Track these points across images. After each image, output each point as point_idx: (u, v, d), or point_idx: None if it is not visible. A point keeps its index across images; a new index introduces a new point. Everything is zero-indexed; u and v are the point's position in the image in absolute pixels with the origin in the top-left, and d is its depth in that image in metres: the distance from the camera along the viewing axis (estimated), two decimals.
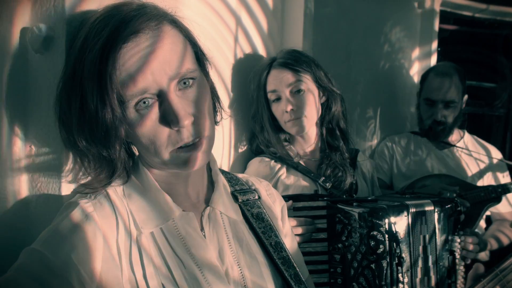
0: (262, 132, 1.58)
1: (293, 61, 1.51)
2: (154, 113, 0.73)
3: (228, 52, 1.60)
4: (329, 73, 1.60)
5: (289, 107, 1.50)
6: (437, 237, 1.26)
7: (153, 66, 0.71)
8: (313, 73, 1.53)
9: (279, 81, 1.50)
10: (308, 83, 1.52)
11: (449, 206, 1.30)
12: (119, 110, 0.71)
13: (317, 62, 1.57)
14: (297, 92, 1.50)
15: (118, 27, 0.70)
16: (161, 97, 0.73)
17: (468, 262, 1.43)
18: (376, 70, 2.42)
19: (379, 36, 2.46)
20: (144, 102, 0.73)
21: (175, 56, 0.74)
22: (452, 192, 1.78)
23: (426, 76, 2.19)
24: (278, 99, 1.53)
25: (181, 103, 0.73)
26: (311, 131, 1.59)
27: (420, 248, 1.23)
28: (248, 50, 1.68)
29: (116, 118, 0.71)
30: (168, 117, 0.73)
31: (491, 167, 2.17)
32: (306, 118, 1.52)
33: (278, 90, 1.51)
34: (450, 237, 1.29)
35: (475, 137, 2.30)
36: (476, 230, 2.02)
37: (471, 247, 1.43)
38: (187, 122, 0.73)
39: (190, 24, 0.83)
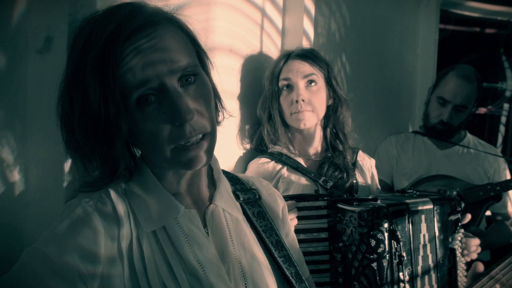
0: (269, 121, 1.58)
1: (312, 55, 1.53)
2: (156, 110, 0.74)
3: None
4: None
5: (301, 97, 1.50)
6: (437, 236, 1.26)
7: (153, 57, 0.72)
8: (327, 73, 1.54)
9: (296, 70, 1.51)
10: (321, 81, 1.54)
11: (449, 204, 1.30)
12: (122, 106, 0.71)
13: (331, 65, 1.59)
14: (310, 85, 1.51)
15: (120, 25, 0.71)
16: (163, 93, 0.73)
17: (469, 260, 1.43)
18: (384, 71, 2.43)
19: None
20: (147, 99, 0.73)
21: (175, 50, 0.74)
22: (452, 190, 1.78)
23: (444, 74, 2.15)
24: (290, 88, 1.53)
25: (183, 98, 0.73)
26: (314, 131, 1.59)
27: (421, 246, 1.23)
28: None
29: (118, 115, 0.71)
30: (170, 113, 0.73)
31: (493, 167, 2.16)
32: (313, 113, 1.52)
33: (292, 78, 1.52)
34: (450, 235, 1.29)
35: (476, 137, 2.30)
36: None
37: (473, 248, 1.43)
38: (189, 116, 0.73)
39: (192, 23, 0.84)
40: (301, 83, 1.51)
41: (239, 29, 1.60)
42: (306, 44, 1.77)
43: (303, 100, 1.50)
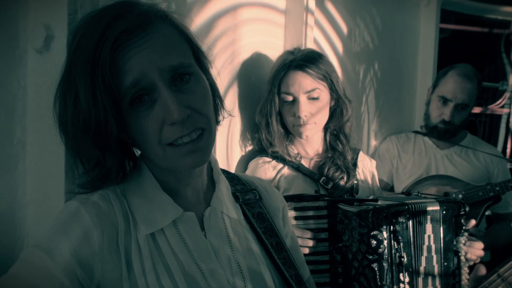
0: (267, 128, 1.56)
1: (314, 66, 1.48)
2: (150, 109, 0.73)
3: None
4: None
5: (303, 113, 1.48)
6: (442, 237, 1.26)
7: (143, 58, 0.71)
8: (330, 82, 1.51)
9: (298, 85, 1.48)
10: (324, 91, 1.51)
11: (455, 207, 1.29)
12: (112, 108, 0.71)
13: (334, 67, 1.55)
14: (312, 100, 1.49)
15: (110, 25, 0.70)
16: (156, 92, 0.73)
17: (472, 263, 1.43)
18: (384, 71, 2.44)
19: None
20: (140, 100, 0.73)
21: (166, 49, 0.73)
22: (458, 194, 1.78)
23: (444, 73, 2.15)
24: (292, 102, 1.51)
25: (175, 97, 0.73)
26: (316, 135, 1.59)
27: (425, 247, 1.22)
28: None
29: (108, 117, 0.71)
30: (162, 112, 0.72)
31: (494, 167, 2.16)
32: (315, 125, 1.51)
33: (295, 93, 1.49)
34: (455, 238, 1.28)
35: (477, 138, 2.30)
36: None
37: (476, 252, 1.42)
38: (181, 116, 0.72)
39: (188, 22, 0.83)
40: (303, 98, 1.48)
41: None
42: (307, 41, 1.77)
43: (305, 116, 1.48)
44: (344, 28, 2.12)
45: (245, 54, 1.61)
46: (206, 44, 1.43)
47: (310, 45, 1.78)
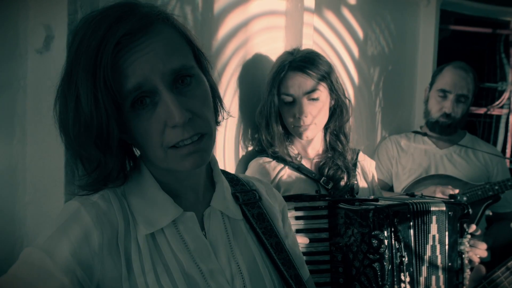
0: (267, 128, 1.57)
1: (313, 66, 1.48)
2: (151, 112, 0.73)
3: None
4: None
5: (303, 115, 1.48)
6: (447, 237, 1.26)
7: (144, 62, 0.71)
8: (330, 82, 1.51)
9: (297, 86, 1.48)
10: (324, 92, 1.51)
11: (459, 208, 1.29)
12: (114, 111, 0.71)
13: (333, 66, 1.55)
14: (312, 100, 1.49)
15: (111, 28, 0.70)
16: (157, 95, 0.73)
17: (474, 265, 1.42)
18: (384, 71, 2.45)
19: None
20: (141, 102, 0.73)
21: (168, 52, 0.73)
22: (462, 196, 1.78)
23: (440, 70, 2.19)
24: (292, 103, 1.52)
25: (177, 100, 0.72)
26: (317, 135, 1.59)
27: (428, 247, 1.22)
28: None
29: (110, 120, 0.71)
30: (164, 115, 0.72)
31: (492, 167, 2.16)
32: (315, 125, 1.52)
33: (295, 94, 1.49)
34: (459, 239, 1.29)
35: (476, 137, 2.30)
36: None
37: (480, 252, 1.42)
38: (182, 119, 0.72)
39: (188, 24, 0.83)
40: (304, 99, 1.49)
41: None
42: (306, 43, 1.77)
43: (305, 117, 1.49)
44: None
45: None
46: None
47: (316, 44, 1.81)
